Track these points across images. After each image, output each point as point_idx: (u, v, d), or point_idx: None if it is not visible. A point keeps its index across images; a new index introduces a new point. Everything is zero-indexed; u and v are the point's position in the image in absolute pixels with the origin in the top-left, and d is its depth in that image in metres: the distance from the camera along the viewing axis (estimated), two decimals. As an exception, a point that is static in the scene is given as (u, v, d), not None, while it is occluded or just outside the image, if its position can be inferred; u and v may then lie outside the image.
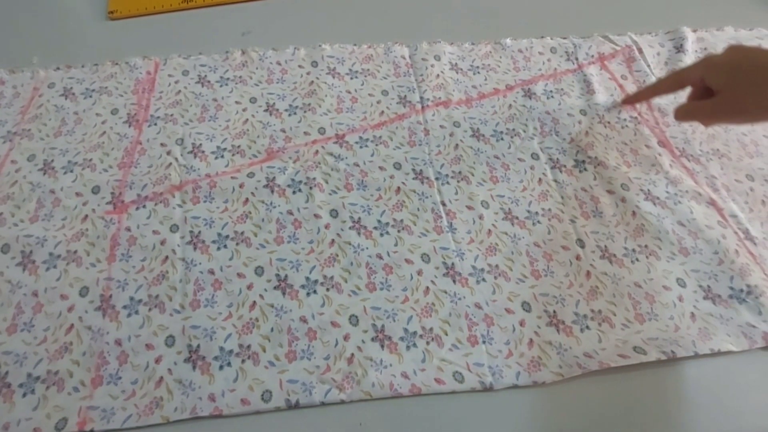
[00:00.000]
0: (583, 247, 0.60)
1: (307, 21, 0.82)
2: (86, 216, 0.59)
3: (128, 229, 0.58)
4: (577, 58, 0.79)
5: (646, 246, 0.60)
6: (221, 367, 0.50)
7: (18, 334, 0.51)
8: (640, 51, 0.80)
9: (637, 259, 0.59)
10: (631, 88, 0.76)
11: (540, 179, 0.65)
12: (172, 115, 0.69)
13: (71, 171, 0.63)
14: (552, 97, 0.74)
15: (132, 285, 0.55)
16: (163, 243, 0.58)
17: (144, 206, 0.60)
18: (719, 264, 0.59)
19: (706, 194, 0.65)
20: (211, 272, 0.56)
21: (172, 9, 0.82)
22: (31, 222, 0.59)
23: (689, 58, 0.79)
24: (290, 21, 0.82)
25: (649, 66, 0.78)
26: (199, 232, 0.59)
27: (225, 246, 0.58)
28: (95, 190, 0.61)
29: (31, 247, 0.57)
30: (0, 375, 0.49)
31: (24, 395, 0.48)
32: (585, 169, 0.66)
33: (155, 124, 0.67)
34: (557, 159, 0.67)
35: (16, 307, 0.53)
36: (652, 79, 0.76)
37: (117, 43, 0.76)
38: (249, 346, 0.52)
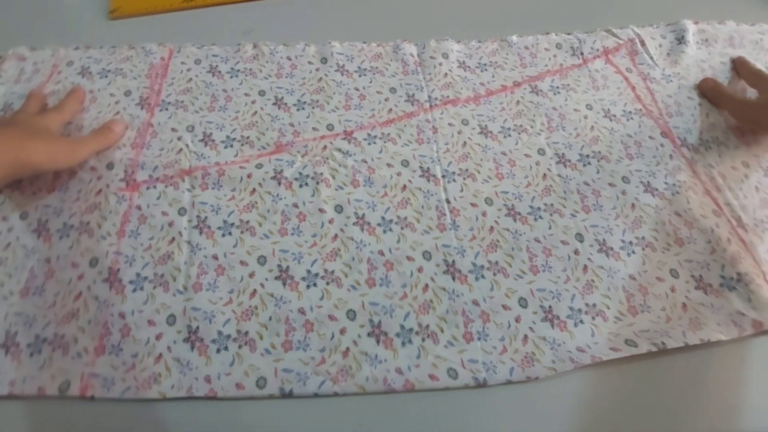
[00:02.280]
0: (582, 241, 0.57)
1: (313, 20, 0.79)
2: (100, 190, 0.58)
3: (139, 208, 0.57)
4: (582, 53, 0.75)
5: (643, 238, 0.58)
6: (218, 351, 0.49)
7: (30, 298, 0.51)
8: (643, 43, 0.77)
9: (633, 252, 0.57)
10: (636, 80, 0.73)
11: (545, 174, 0.62)
12: (182, 101, 0.66)
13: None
14: (558, 92, 0.71)
15: (139, 261, 0.53)
16: (171, 224, 0.56)
17: (155, 187, 0.59)
18: (711, 253, 0.57)
19: (703, 183, 0.62)
20: (215, 257, 0.54)
21: (173, 8, 0.78)
22: (48, 192, 0.58)
23: (691, 49, 0.76)
24: (293, 21, 0.78)
25: (652, 58, 0.75)
26: (206, 217, 0.57)
27: (230, 233, 0.56)
28: (110, 166, 0.60)
29: (48, 216, 0.56)
30: (10, 334, 0.49)
31: (31, 355, 0.48)
32: (589, 163, 0.64)
33: (166, 109, 0.66)
34: (563, 154, 0.64)
35: (29, 272, 0.52)
36: (656, 71, 0.74)
37: (117, 42, 0.73)
38: (246, 333, 0.50)
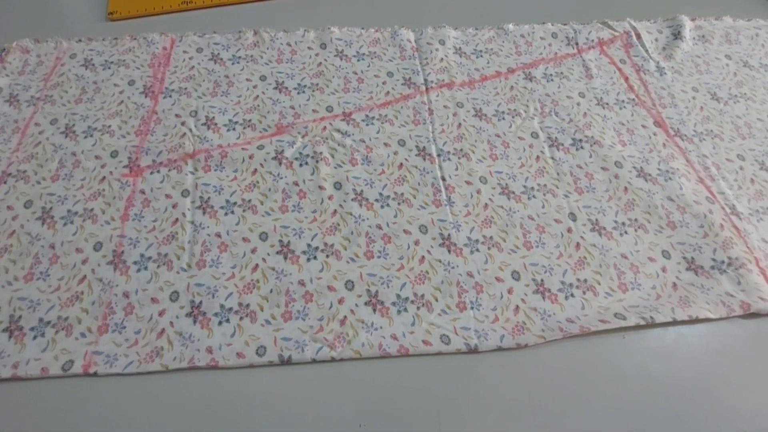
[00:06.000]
0: (575, 220, 0.58)
1: (313, 14, 0.80)
2: (104, 177, 0.59)
3: (142, 192, 0.58)
4: (577, 43, 0.77)
5: (635, 219, 0.59)
6: (220, 323, 0.50)
7: (34, 282, 0.51)
8: (638, 36, 0.78)
9: (626, 232, 0.58)
10: (630, 71, 0.74)
11: (538, 156, 0.64)
12: (185, 88, 0.68)
13: (91, 135, 0.63)
14: (552, 80, 0.72)
15: (143, 243, 0.54)
16: (174, 206, 0.57)
17: (158, 171, 0.60)
18: (704, 237, 0.58)
19: (696, 172, 0.63)
20: (218, 235, 0.55)
21: (171, 10, 0.79)
22: (52, 181, 0.59)
23: (687, 45, 0.77)
24: (292, 22, 0.78)
25: (647, 51, 0.76)
26: (209, 197, 0.58)
27: (232, 212, 0.57)
28: (113, 154, 0.61)
29: (52, 203, 0.57)
30: (14, 319, 0.49)
31: (34, 338, 0.48)
32: (582, 148, 0.65)
33: (170, 96, 0.67)
34: (556, 138, 0.66)
35: (33, 258, 0.53)
36: (650, 63, 0.74)
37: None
38: (248, 305, 0.51)
